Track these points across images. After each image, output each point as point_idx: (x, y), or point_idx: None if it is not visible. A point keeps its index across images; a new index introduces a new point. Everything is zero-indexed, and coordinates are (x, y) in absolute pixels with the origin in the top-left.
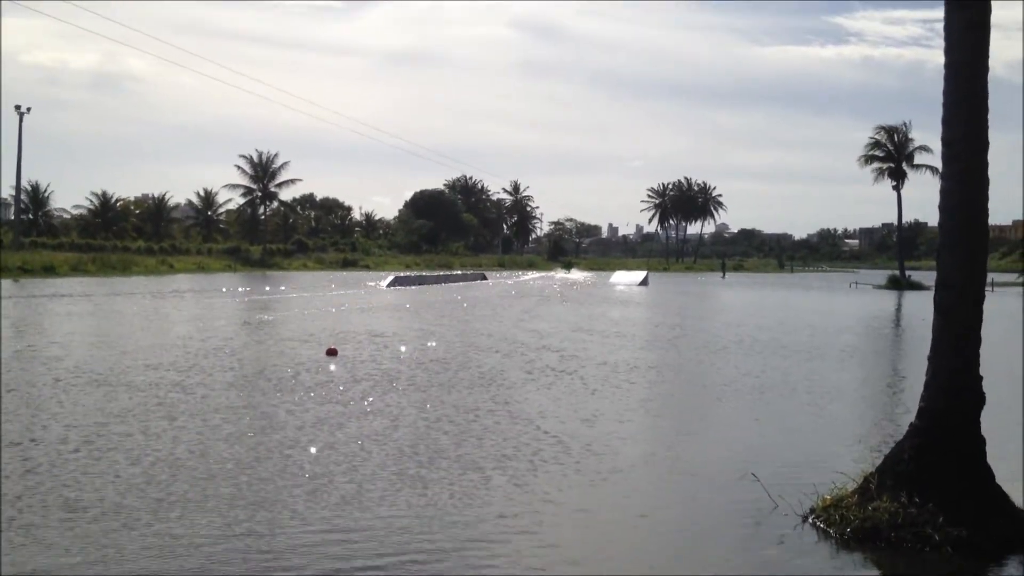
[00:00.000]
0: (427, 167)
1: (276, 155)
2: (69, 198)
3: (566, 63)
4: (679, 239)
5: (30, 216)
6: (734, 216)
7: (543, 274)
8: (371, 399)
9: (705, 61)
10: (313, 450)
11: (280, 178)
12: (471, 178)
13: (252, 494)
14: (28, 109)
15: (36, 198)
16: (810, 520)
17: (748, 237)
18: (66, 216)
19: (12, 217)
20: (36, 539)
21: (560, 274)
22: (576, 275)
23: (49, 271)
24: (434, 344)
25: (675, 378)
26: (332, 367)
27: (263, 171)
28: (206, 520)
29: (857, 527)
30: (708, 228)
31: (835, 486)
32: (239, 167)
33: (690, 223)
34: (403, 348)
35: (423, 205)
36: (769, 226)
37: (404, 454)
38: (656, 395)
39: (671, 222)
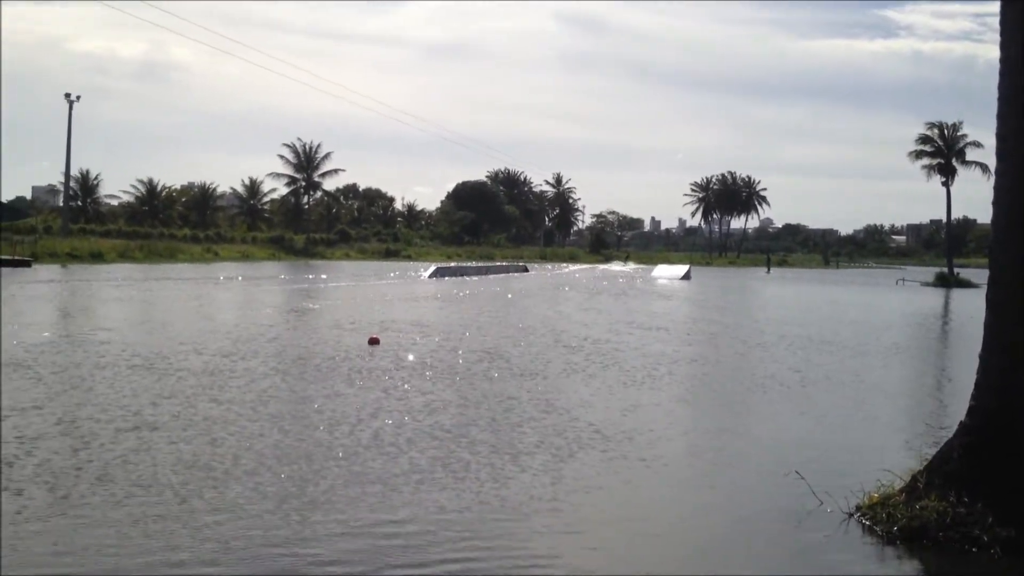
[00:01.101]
0: (469, 159)
1: (319, 145)
2: (116, 186)
3: (608, 56)
4: (722, 233)
5: (79, 203)
6: (778, 211)
7: (586, 266)
8: (411, 387)
9: (749, 54)
10: (355, 435)
11: (323, 168)
12: (513, 170)
13: (299, 477)
14: (78, 97)
15: (85, 185)
16: (856, 518)
17: (792, 232)
18: (114, 203)
19: (61, 204)
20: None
21: (616, 266)
22: (630, 267)
23: (97, 258)
24: (475, 334)
25: (719, 372)
26: (374, 356)
27: (307, 161)
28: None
29: (904, 526)
30: (752, 223)
31: (882, 484)
32: (282, 156)
33: (733, 218)
34: (443, 338)
35: (465, 196)
36: (814, 221)
37: (443, 441)
38: (699, 389)
39: (714, 216)
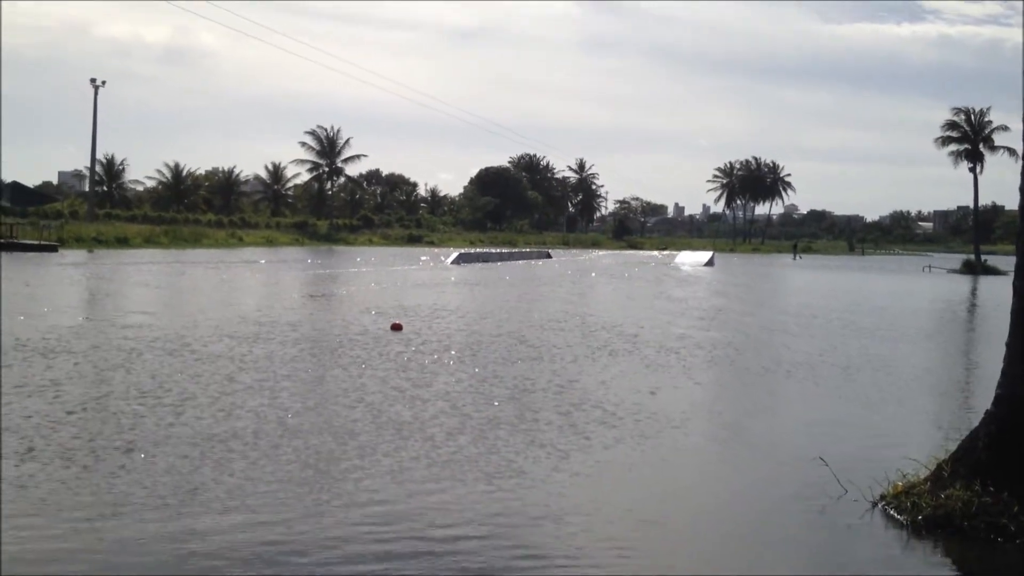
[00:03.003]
0: (492, 144)
1: (339, 130)
2: (142, 170)
3: (631, 39)
4: (746, 220)
5: (104, 188)
6: (803, 197)
7: (610, 252)
8: (434, 373)
9: (775, 38)
10: (378, 417)
11: (346, 154)
12: (536, 155)
13: (318, 460)
14: (103, 82)
15: (110, 171)
16: (880, 506)
17: (818, 219)
18: (140, 188)
19: (87, 189)
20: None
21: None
22: (656, 254)
23: (123, 242)
24: (499, 319)
25: (744, 358)
26: (397, 341)
27: (329, 147)
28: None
29: (929, 515)
30: (776, 209)
31: (906, 473)
32: (304, 143)
33: (758, 203)
34: (467, 323)
35: (488, 182)
36: (840, 208)
37: (467, 425)
38: (724, 374)
39: (738, 202)
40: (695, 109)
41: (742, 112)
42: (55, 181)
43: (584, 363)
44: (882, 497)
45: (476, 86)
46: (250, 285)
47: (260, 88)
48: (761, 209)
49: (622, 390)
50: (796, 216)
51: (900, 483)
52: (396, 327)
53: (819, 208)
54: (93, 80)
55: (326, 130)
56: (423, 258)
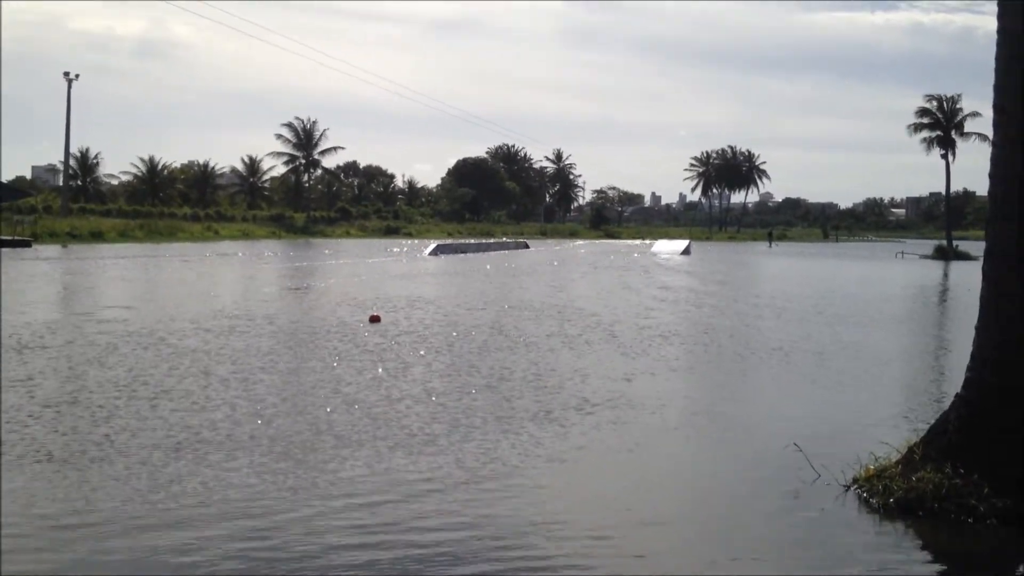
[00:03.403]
0: (469, 135)
1: (316, 122)
2: (117, 164)
3: (610, 30)
4: (722, 208)
5: (79, 183)
6: (778, 185)
7: (587, 242)
8: (412, 364)
9: (752, 27)
10: (356, 410)
11: (323, 146)
12: (513, 146)
13: (294, 450)
14: (76, 76)
15: (84, 165)
16: (853, 490)
17: (792, 206)
18: (114, 183)
19: (61, 184)
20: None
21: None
22: (633, 243)
23: (97, 237)
24: (476, 310)
25: (719, 344)
26: (374, 333)
27: (306, 139)
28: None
29: (900, 498)
30: (752, 197)
31: (878, 456)
32: (281, 135)
33: (734, 192)
34: (445, 314)
35: (466, 173)
36: (814, 195)
37: (443, 415)
38: (699, 361)
39: (714, 191)
40: (674, 100)
41: (719, 101)
42: (28, 176)
43: (561, 351)
44: (854, 481)
45: (456, 78)
46: (227, 279)
47: (236, 81)
48: (737, 197)
49: (598, 378)
50: (771, 204)
51: (872, 467)
52: (374, 319)
53: (794, 196)
54: (67, 74)
55: (303, 122)
56: (396, 249)
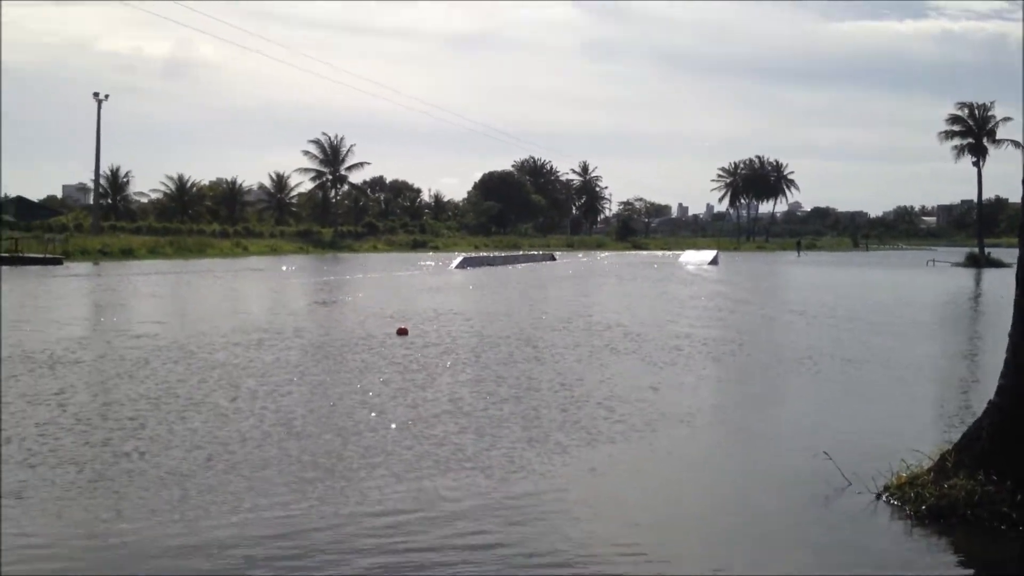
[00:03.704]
0: (495, 149)
1: (342, 138)
2: (147, 183)
3: (632, 42)
4: (750, 218)
5: (109, 201)
6: (807, 195)
7: (614, 254)
8: (438, 374)
9: (777, 38)
10: (384, 420)
11: (349, 161)
12: (539, 159)
13: (324, 460)
14: (106, 96)
15: (115, 183)
16: (884, 498)
17: (822, 216)
18: (144, 200)
19: (92, 202)
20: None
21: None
22: (659, 254)
23: (127, 254)
24: (503, 321)
25: (750, 353)
26: (401, 345)
27: (332, 155)
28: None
29: (932, 505)
30: (780, 207)
31: (910, 464)
32: (307, 152)
33: (762, 202)
34: (473, 325)
35: (492, 186)
36: (843, 204)
37: (470, 425)
38: (731, 370)
39: (742, 201)
40: (699, 111)
41: (746, 112)
42: (59, 195)
43: (588, 361)
44: (886, 488)
45: (478, 92)
46: (256, 293)
47: (262, 99)
48: (765, 208)
49: (626, 387)
50: (800, 214)
51: (904, 474)
52: (402, 331)
53: (823, 205)
54: (96, 94)
55: (329, 138)
56: (423, 263)
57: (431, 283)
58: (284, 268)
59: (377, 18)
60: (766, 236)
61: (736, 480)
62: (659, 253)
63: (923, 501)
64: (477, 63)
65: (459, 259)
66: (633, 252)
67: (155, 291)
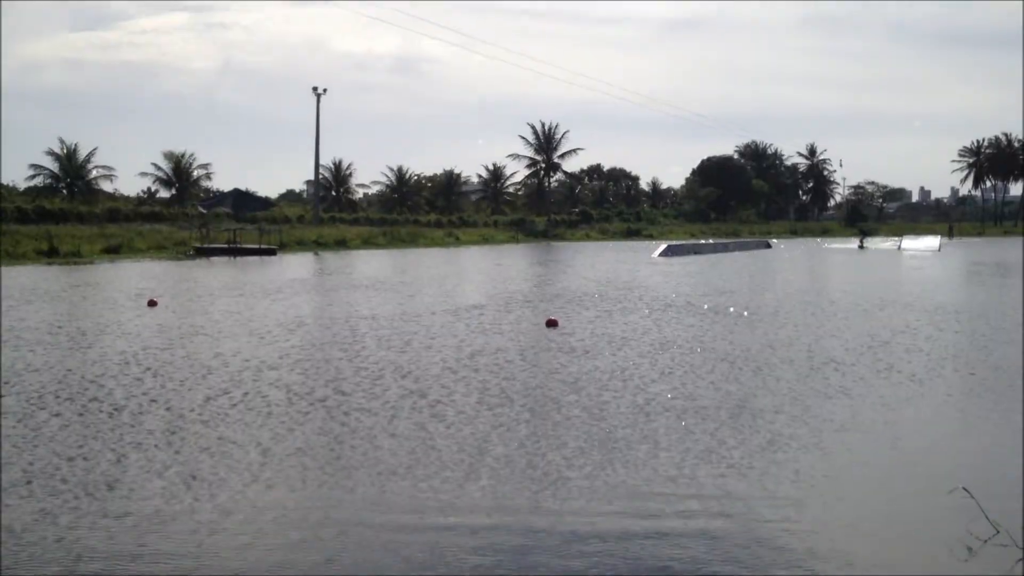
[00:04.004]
0: (718, 134)
1: (557, 125)
2: (369, 175)
3: (858, 16)
4: (998, 201)
5: (333, 193)
6: None
7: (839, 240)
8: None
9: (1017, 6)
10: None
11: (562, 148)
12: (762, 143)
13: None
14: (324, 90)
15: (338, 175)
16: None
17: None
18: (369, 191)
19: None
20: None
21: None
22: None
23: (341, 244)
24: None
25: (911, 358)
26: (551, 338)
27: (546, 142)
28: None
29: None
30: None
31: None
32: (523, 137)
33: (1011, 184)
34: (632, 321)
35: (711, 172)
36: None
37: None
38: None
39: (988, 183)
40: (937, 87)
41: (989, 87)
42: (297, 189)
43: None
44: None
45: (695, 75)
46: (472, 274)
47: (483, 92)
48: (1017, 190)
49: (791, 394)
50: None
51: None
52: (551, 323)
53: None
54: (315, 89)
55: (544, 125)
56: (606, 255)
57: (622, 273)
58: (474, 258)
59: (590, 7)
60: (1015, 220)
61: (859, 514)
62: (882, 239)
63: None
64: (693, 46)
65: (663, 247)
66: (855, 238)
67: (371, 281)
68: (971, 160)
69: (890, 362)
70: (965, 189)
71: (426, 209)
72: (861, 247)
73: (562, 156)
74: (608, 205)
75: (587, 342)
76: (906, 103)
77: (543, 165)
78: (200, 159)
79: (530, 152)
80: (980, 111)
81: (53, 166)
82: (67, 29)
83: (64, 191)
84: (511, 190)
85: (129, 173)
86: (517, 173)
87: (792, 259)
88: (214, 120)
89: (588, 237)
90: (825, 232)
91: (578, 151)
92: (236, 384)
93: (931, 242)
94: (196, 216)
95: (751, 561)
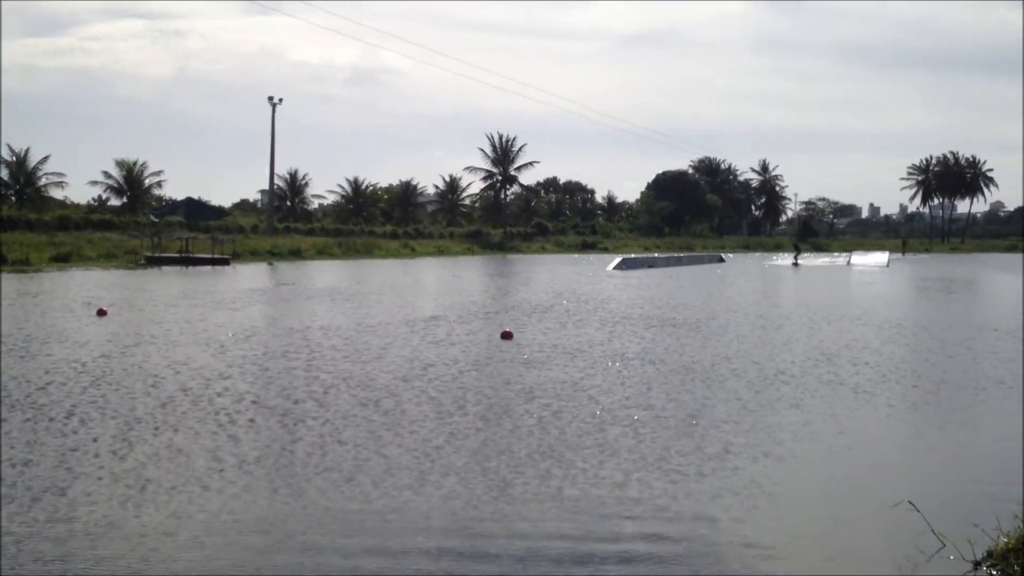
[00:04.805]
0: (673, 148)
1: (514, 138)
2: (326, 186)
3: (809, 36)
4: (946, 218)
5: (288, 203)
6: (1011, 194)
7: (790, 255)
8: (534, 380)
9: (966, 28)
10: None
11: (519, 161)
12: (715, 158)
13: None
14: (280, 100)
15: (294, 185)
16: (984, 568)
17: None
18: (324, 203)
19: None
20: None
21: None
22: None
23: (295, 254)
24: (632, 328)
25: (877, 372)
26: (505, 349)
27: (503, 155)
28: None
29: None
30: (980, 207)
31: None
32: (481, 150)
33: (958, 201)
34: (588, 333)
35: (666, 186)
36: None
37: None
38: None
39: (936, 200)
40: (886, 106)
41: (938, 107)
42: (251, 199)
43: (670, 377)
44: (989, 555)
45: (650, 91)
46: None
47: (441, 105)
48: (964, 207)
49: (731, 412)
50: (1002, 214)
51: (1011, 538)
52: (506, 335)
53: None
54: (271, 98)
55: (501, 136)
56: (559, 268)
57: (576, 286)
58: (427, 270)
59: (550, 22)
60: (962, 237)
61: (807, 527)
62: (837, 254)
63: None
64: (648, 63)
65: (617, 260)
66: (813, 253)
67: (333, 286)
68: (920, 178)
69: (837, 374)
70: (914, 206)
71: (382, 220)
72: (795, 264)
73: (519, 169)
74: (564, 218)
75: (542, 354)
76: (855, 122)
77: (500, 178)
78: (153, 167)
79: (487, 165)
80: (927, 131)
81: (2, 173)
82: (20, 34)
83: (13, 198)
84: (468, 202)
85: (80, 180)
86: (473, 185)
87: (744, 273)
88: (168, 128)
89: (544, 250)
90: (778, 247)
91: (534, 164)
92: (185, 392)
93: (880, 258)
94: (148, 225)
95: None
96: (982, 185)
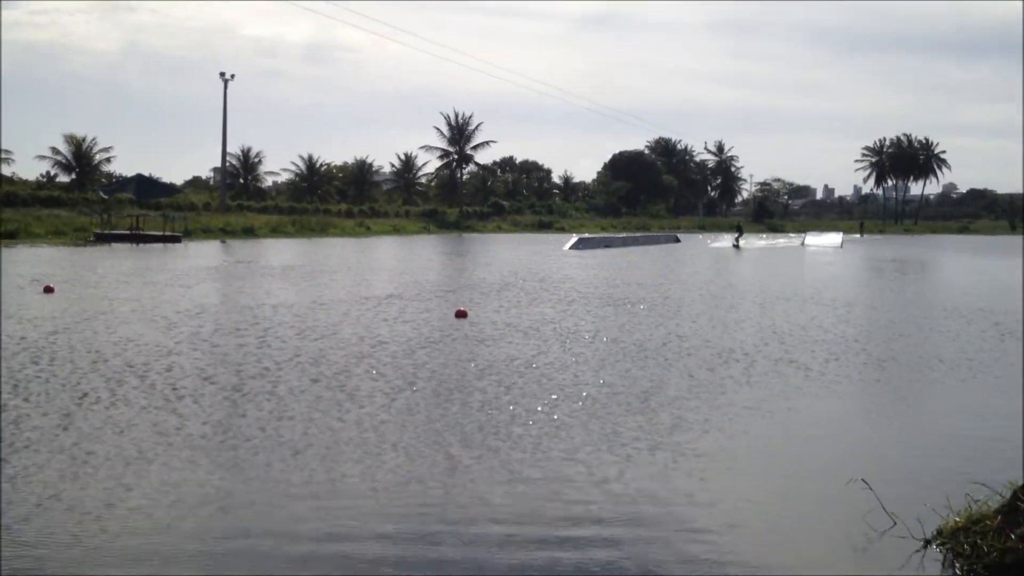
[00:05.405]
0: (631, 130)
1: (470, 116)
2: (279, 163)
3: (767, 18)
4: (899, 200)
5: (241, 180)
6: (963, 176)
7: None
8: (485, 359)
9: (924, 13)
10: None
11: (475, 140)
12: (672, 139)
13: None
14: (232, 76)
15: (246, 163)
16: (934, 546)
17: (978, 197)
18: (278, 180)
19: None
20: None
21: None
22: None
23: (249, 232)
24: (581, 307)
25: (809, 349)
26: (459, 328)
27: (459, 133)
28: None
29: (994, 562)
30: (933, 188)
31: (976, 500)
32: (437, 128)
33: (911, 183)
34: (541, 312)
35: (622, 167)
36: (1004, 186)
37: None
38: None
39: (890, 182)
40: (843, 88)
41: (893, 89)
42: (204, 176)
43: (647, 359)
44: (938, 533)
45: (609, 71)
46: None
47: (399, 82)
48: (916, 189)
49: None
50: (954, 196)
51: (961, 516)
52: (460, 314)
53: (980, 187)
54: (223, 74)
55: (457, 115)
56: (517, 247)
57: (533, 265)
58: (389, 250)
59: (510, 1)
60: (915, 219)
61: (755, 507)
62: (792, 235)
63: (981, 555)
64: (607, 43)
65: (574, 240)
66: (767, 235)
67: (287, 264)
68: (874, 159)
69: (788, 352)
70: (868, 187)
71: (337, 199)
72: (736, 246)
73: (475, 148)
74: (520, 198)
75: (495, 332)
76: (810, 103)
77: (456, 157)
78: (102, 143)
79: (443, 143)
80: (882, 113)
81: None
82: None
83: None
84: (424, 181)
85: (27, 156)
86: (430, 164)
87: (699, 255)
88: (118, 104)
89: (500, 229)
90: (734, 228)
91: (491, 143)
92: (132, 368)
93: (834, 239)
94: (97, 201)
95: (640, 555)
96: (935, 167)
